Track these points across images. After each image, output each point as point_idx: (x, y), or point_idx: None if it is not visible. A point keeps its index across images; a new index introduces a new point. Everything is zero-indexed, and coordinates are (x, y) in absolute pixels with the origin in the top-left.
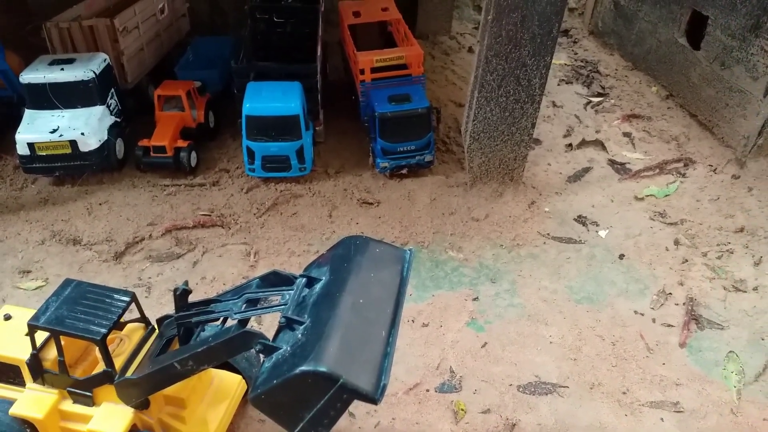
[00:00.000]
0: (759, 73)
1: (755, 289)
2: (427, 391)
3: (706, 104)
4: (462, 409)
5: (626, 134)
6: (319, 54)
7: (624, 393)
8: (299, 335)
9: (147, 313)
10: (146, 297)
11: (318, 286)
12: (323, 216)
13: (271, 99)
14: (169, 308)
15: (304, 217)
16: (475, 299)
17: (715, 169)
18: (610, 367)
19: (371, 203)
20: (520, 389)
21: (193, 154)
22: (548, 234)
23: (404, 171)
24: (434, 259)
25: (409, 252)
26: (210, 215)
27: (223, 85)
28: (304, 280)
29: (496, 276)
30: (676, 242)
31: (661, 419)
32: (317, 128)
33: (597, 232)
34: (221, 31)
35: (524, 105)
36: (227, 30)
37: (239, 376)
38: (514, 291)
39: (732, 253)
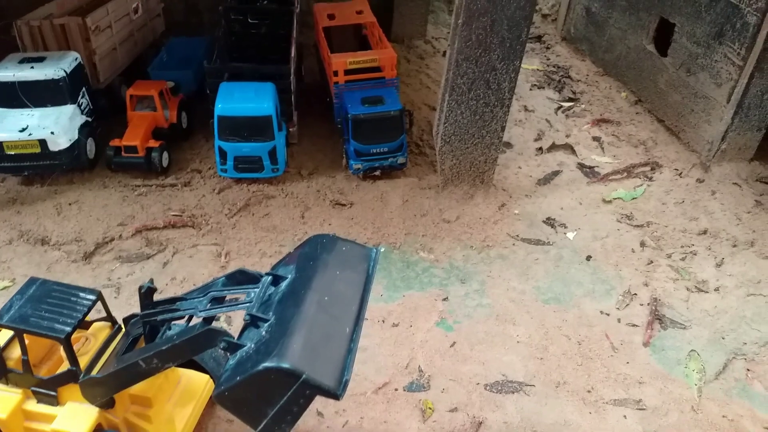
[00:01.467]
0: (722, 80)
1: (717, 289)
2: (396, 390)
3: (672, 110)
4: (430, 408)
5: (596, 138)
6: (293, 55)
7: (589, 391)
8: (263, 332)
9: (116, 314)
10: (115, 297)
11: (284, 284)
12: (295, 217)
13: (243, 99)
14: (139, 308)
15: (276, 218)
16: (444, 299)
17: (680, 173)
18: (575, 366)
19: (344, 204)
20: (488, 388)
21: (165, 155)
22: (517, 236)
23: (377, 173)
24: (405, 260)
25: (375, 250)
26: (181, 216)
27: (197, 85)
28: (270, 278)
29: (465, 277)
30: (642, 244)
31: (624, 416)
32: (291, 129)
33: (565, 234)
34: (196, 32)
35: (494, 108)
36: (202, 31)
37: (207, 376)
38: (483, 291)
39: (695, 254)
